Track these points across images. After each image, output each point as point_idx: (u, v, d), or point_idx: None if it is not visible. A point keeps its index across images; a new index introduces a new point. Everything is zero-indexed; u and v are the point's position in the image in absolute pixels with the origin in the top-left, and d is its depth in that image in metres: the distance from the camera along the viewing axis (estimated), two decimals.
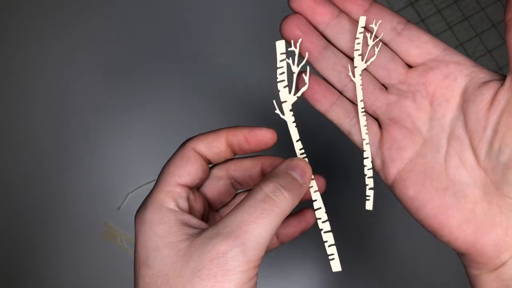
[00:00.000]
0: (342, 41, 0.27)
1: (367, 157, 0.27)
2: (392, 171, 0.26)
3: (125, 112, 0.59)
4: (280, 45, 0.25)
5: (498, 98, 0.23)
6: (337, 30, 0.27)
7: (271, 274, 0.54)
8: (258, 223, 0.21)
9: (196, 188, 0.26)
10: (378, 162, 0.27)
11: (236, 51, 0.60)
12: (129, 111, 0.59)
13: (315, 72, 0.28)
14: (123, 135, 0.59)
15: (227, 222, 0.21)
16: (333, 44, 0.28)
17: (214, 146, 0.25)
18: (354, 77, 0.27)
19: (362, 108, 0.27)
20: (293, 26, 0.26)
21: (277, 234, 0.28)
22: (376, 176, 0.28)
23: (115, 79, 0.60)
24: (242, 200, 0.22)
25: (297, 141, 0.26)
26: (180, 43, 0.61)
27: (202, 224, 0.23)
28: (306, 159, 0.25)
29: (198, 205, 0.26)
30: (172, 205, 0.23)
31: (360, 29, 0.27)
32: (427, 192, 0.25)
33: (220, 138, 0.25)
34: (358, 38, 0.27)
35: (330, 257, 0.25)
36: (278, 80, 0.26)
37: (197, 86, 0.60)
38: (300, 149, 0.26)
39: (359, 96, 0.27)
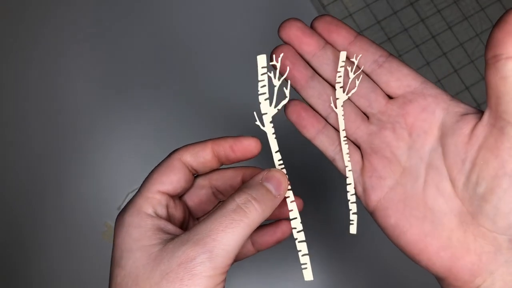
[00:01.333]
0: (327, 71, 0.28)
1: (349, 183, 0.28)
2: (373, 199, 0.27)
3: (125, 113, 0.59)
4: (261, 60, 0.26)
5: (476, 133, 0.24)
6: (323, 60, 0.28)
7: (266, 272, 0.54)
8: (227, 232, 0.22)
9: (177, 196, 0.26)
10: (359, 189, 0.28)
11: (223, 67, 0.61)
12: (129, 113, 0.59)
13: (302, 100, 0.29)
14: (123, 135, 0.59)
15: (198, 230, 0.22)
16: (318, 74, 0.28)
17: (200, 156, 0.26)
18: (336, 108, 0.28)
19: (344, 137, 0.28)
20: (283, 58, 0.28)
21: (253, 242, 0.29)
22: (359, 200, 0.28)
23: (115, 80, 0.60)
24: (215, 209, 0.23)
25: (276, 152, 0.26)
26: (174, 57, 0.61)
27: (178, 231, 0.24)
28: (284, 170, 0.26)
29: (178, 213, 0.26)
30: (150, 210, 0.24)
31: (341, 63, 0.27)
32: (407, 220, 0.25)
33: (206, 149, 0.26)
34: (339, 72, 0.27)
35: (303, 267, 0.26)
36: (259, 92, 0.26)
37: (191, 96, 0.60)
38: (279, 160, 0.26)
39: (341, 126, 0.28)
